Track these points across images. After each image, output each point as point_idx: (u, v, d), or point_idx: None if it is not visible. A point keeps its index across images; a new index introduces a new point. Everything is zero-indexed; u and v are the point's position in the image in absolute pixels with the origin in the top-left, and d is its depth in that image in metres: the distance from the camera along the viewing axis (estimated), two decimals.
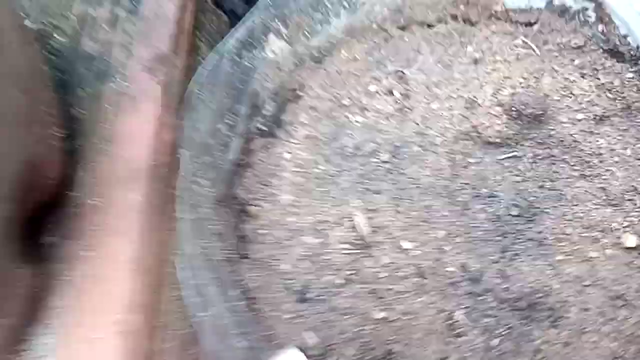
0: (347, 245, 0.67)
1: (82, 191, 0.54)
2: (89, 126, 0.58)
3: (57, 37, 0.65)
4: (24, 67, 0.45)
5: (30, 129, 0.44)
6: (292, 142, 0.74)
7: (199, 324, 0.52)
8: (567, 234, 0.67)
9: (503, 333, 0.63)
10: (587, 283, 0.64)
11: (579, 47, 0.70)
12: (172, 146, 0.59)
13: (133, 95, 0.58)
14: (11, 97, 0.41)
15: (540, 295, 0.64)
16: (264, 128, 0.76)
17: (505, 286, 0.65)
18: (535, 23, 0.72)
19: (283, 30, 0.70)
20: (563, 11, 0.70)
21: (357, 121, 0.74)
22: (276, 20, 0.69)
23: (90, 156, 0.56)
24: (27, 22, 0.65)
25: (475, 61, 0.74)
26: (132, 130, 0.56)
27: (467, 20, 0.76)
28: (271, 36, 0.70)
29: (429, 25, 0.77)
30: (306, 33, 0.73)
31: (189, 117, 0.61)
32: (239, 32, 0.65)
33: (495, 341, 0.63)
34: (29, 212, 0.48)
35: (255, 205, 0.71)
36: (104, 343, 0.47)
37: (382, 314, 0.64)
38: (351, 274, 0.66)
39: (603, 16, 0.67)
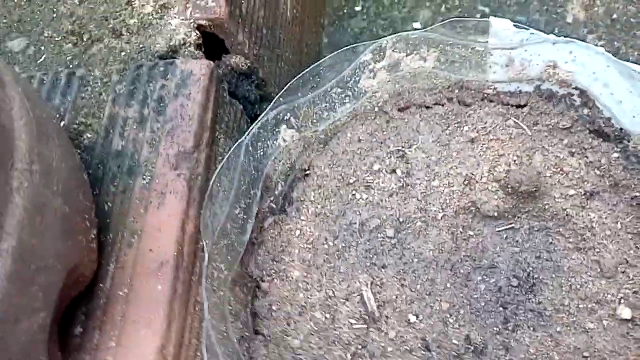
0: (355, 320, 0.71)
1: (111, 282, 0.60)
2: (118, 220, 0.63)
3: (89, 135, 0.72)
4: (69, 178, 0.51)
5: (74, 238, 0.50)
6: (302, 219, 0.79)
7: None
8: (565, 305, 0.70)
9: None
10: (586, 354, 0.66)
11: (567, 128, 0.75)
12: (195, 236, 0.65)
13: (160, 191, 0.64)
14: (59, 210, 0.47)
15: None
16: (275, 206, 0.81)
17: (508, 357, 0.68)
18: (525, 105, 0.78)
19: (293, 121, 0.77)
20: (550, 96, 0.76)
21: (362, 198, 0.79)
22: (288, 114, 0.75)
23: (119, 249, 0.62)
24: (61, 124, 0.72)
25: (472, 140, 0.79)
26: (159, 224, 0.61)
27: (462, 102, 0.82)
28: (283, 127, 0.77)
29: (427, 107, 0.83)
30: (314, 121, 0.79)
31: (210, 206, 0.67)
32: (255, 127, 0.72)
33: None
34: (64, 308, 0.54)
35: (267, 282, 0.76)
36: None
37: None
38: (360, 349, 0.70)
39: (587, 101, 0.73)
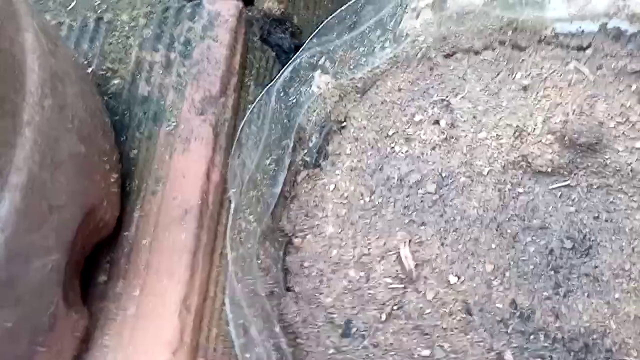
0: (391, 280, 0.67)
1: (136, 231, 0.57)
2: (144, 167, 0.61)
3: (116, 81, 0.69)
4: (86, 118, 0.49)
5: (91, 178, 0.48)
6: (337, 174, 0.75)
7: None
8: (626, 270, 0.63)
9: None
10: None
11: (637, 72, 0.66)
12: (222, 185, 0.62)
13: (185, 137, 0.61)
14: (73, 148, 0.45)
15: (597, 336, 0.61)
16: (309, 160, 0.77)
17: (558, 325, 0.62)
18: (588, 47, 0.69)
19: (328, 65, 0.72)
20: (618, 35, 0.67)
21: (402, 151, 0.74)
22: (322, 57, 0.70)
23: (143, 196, 0.59)
24: (89, 70, 0.70)
25: (525, 88, 0.71)
26: (183, 171, 0.59)
27: (516, 46, 0.74)
28: (317, 72, 0.72)
29: (476, 52, 0.76)
30: (351, 67, 0.74)
31: (238, 154, 0.64)
32: (286, 71, 0.67)
33: None
34: (86, 254, 0.52)
35: (299, 237, 0.73)
36: None
37: (426, 352, 0.63)
38: (395, 309, 0.66)
39: None
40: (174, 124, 0.63)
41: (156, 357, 0.50)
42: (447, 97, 0.74)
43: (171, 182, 0.59)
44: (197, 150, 0.60)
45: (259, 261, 0.68)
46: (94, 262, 0.56)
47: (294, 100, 0.72)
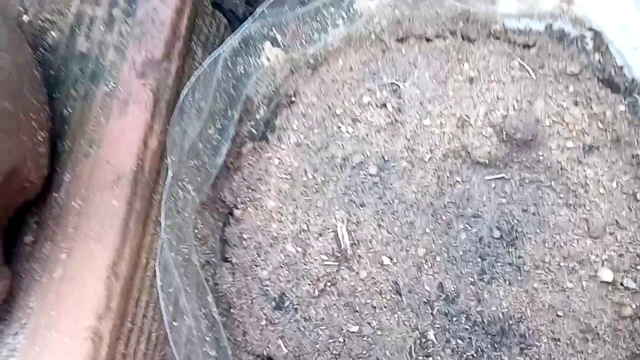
0: (327, 257, 0.68)
1: (66, 193, 0.55)
2: (77, 127, 0.59)
3: (53, 33, 0.65)
4: (14, 74, 0.46)
5: (17, 137, 0.45)
6: (282, 148, 0.74)
7: (173, 332, 0.53)
8: (546, 262, 0.67)
9: (473, 356, 0.64)
10: (560, 313, 0.64)
11: (575, 75, 0.69)
12: (160, 152, 0.60)
13: (123, 99, 0.58)
14: None
15: (513, 321, 0.65)
16: (255, 132, 0.76)
17: (479, 309, 0.66)
18: (533, 46, 0.72)
19: (279, 38, 0.70)
20: (561, 37, 0.69)
21: (348, 132, 0.74)
22: (273, 29, 0.69)
23: (75, 158, 0.57)
24: (24, 18, 0.65)
25: (471, 80, 0.73)
26: (119, 136, 0.57)
27: (466, 37, 0.75)
28: (267, 44, 0.70)
29: (428, 40, 0.77)
30: (303, 42, 0.73)
31: (179, 122, 0.62)
32: (235, 39, 0.65)
33: None
34: (10, 214, 0.50)
35: (240, 209, 0.72)
36: (74, 348, 0.48)
37: (354, 328, 0.66)
38: (329, 286, 0.67)
39: (600, 45, 0.66)
40: (112, 84, 0.60)
41: (80, 322, 0.49)
42: (396, 81, 0.75)
43: (105, 145, 0.57)
44: (134, 115, 0.58)
45: (196, 230, 0.67)
46: (21, 222, 0.54)
47: (242, 71, 0.71)
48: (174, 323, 0.54)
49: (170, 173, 0.59)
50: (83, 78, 0.62)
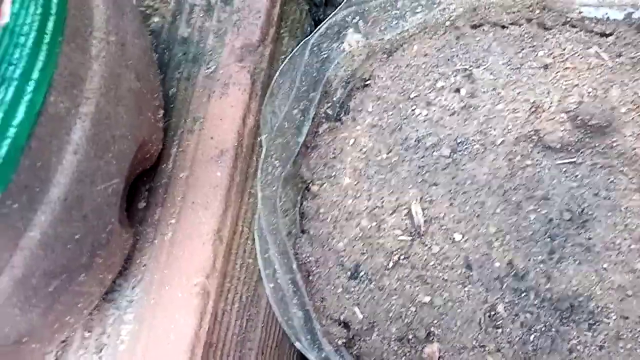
0: (400, 232, 0.72)
1: (173, 165, 0.62)
2: (182, 106, 0.64)
3: (156, 19, 0.71)
4: (141, 55, 0.52)
5: (144, 114, 0.51)
6: (357, 129, 0.79)
7: (271, 292, 0.59)
8: (616, 244, 0.69)
9: (541, 329, 0.67)
10: (629, 293, 0.66)
11: None
12: (255, 130, 0.65)
13: (224, 82, 0.64)
14: (132, 84, 0.48)
15: (582, 299, 0.67)
16: (331, 113, 0.81)
17: (548, 286, 0.69)
18: (610, 34, 0.73)
19: (361, 25, 0.74)
20: None
21: (421, 115, 0.78)
22: (357, 17, 0.73)
23: (181, 134, 0.63)
24: None
25: (545, 67, 0.75)
26: (220, 114, 0.62)
27: (542, 25, 0.77)
28: (350, 30, 0.75)
29: (503, 27, 0.79)
30: (382, 28, 0.76)
31: (270, 102, 0.67)
32: (323, 27, 0.70)
33: (532, 336, 0.67)
34: (130, 182, 0.56)
35: (317, 185, 0.77)
36: (183, 301, 0.55)
37: (426, 298, 0.70)
38: (402, 259, 0.72)
39: None
40: (213, 67, 0.66)
41: (191, 279, 0.56)
42: (470, 67, 0.78)
43: (208, 123, 0.63)
44: (234, 95, 0.63)
45: (281, 203, 0.72)
46: (135, 190, 0.60)
47: (326, 56, 0.75)
48: (270, 285, 0.60)
49: (264, 149, 0.64)
50: (185, 61, 0.67)
